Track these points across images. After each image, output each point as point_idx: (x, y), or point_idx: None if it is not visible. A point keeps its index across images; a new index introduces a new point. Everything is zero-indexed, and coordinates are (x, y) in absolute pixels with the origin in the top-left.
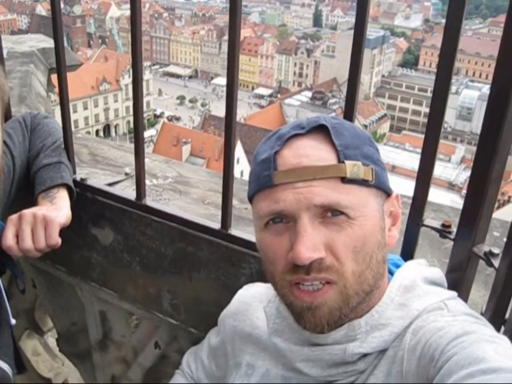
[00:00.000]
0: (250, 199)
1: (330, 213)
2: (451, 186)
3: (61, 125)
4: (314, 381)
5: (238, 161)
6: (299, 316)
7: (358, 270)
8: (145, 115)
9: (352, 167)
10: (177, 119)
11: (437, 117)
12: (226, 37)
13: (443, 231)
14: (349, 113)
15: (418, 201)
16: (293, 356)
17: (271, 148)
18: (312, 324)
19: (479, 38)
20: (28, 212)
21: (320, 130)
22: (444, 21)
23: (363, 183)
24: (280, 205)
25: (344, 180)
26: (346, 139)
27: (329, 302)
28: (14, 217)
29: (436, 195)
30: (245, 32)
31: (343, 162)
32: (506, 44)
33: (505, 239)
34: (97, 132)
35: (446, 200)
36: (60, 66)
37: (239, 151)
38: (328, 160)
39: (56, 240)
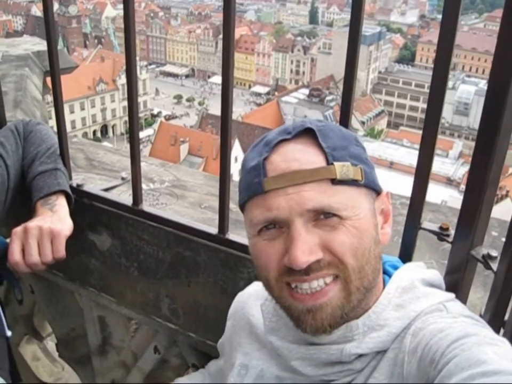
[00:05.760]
0: (242, 207)
1: (323, 215)
2: (449, 181)
3: (55, 129)
4: (309, 381)
5: (236, 160)
6: (298, 320)
7: (358, 265)
8: (142, 115)
9: (342, 168)
10: (181, 117)
11: (434, 116)
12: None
13: (441, 234)
14: (345, 111)
15: (416, 204)
16: (289, 354)
17: (259, 154)
18: (313, 327)
19: (475, 33)
20: (33, 225)
21: (307, 134)
22: (439, 16)
23: (353, 183)
24: (273, 212)
25: (334, 181)
26: (334, 141)
27: (333, 300)
28: (18, 230)
29: (434, 191)
30: (241, 31)
31: (332, 164)
32: (503, 39)
33: (503, 239)
34: (94, 132)
35: (445, 195)
36: (53, 73)
37: (237, 150)
38: (317, 163)
39: (63, 252)
